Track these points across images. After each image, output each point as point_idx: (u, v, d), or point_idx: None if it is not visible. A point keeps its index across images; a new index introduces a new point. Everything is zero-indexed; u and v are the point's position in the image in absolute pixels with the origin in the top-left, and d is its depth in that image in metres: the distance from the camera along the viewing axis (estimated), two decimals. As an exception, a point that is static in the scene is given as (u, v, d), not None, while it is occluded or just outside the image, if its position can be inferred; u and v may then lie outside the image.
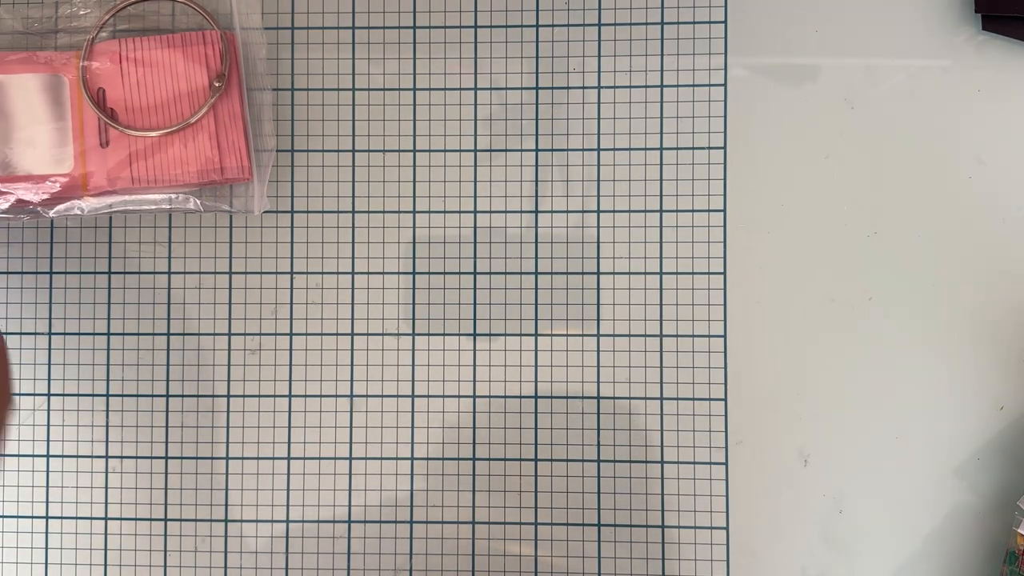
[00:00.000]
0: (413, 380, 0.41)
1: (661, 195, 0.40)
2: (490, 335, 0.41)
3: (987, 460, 0.39)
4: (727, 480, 0.40)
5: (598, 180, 0.41)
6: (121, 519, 0.41)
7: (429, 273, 0.41)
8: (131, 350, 0.41)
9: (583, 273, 0.40)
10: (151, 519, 0.41)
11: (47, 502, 0.41)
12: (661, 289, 0.40)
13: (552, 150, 0.41)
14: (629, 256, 0.40)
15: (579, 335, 0.40)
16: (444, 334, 0.41)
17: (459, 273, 0.41)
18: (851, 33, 0.40)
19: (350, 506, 0.41)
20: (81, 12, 0.40)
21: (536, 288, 0.41)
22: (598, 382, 0.40)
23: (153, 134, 0.39)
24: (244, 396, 0.41)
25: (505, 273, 0.41)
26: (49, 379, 0.41)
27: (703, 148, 0.40)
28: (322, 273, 0.41)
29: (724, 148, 0.40)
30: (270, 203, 0.41)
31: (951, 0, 0.40)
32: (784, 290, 0.40)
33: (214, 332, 0.41)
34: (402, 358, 0.41)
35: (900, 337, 0.40)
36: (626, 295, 0.40)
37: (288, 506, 0.41)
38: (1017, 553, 0.37)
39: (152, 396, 0.41)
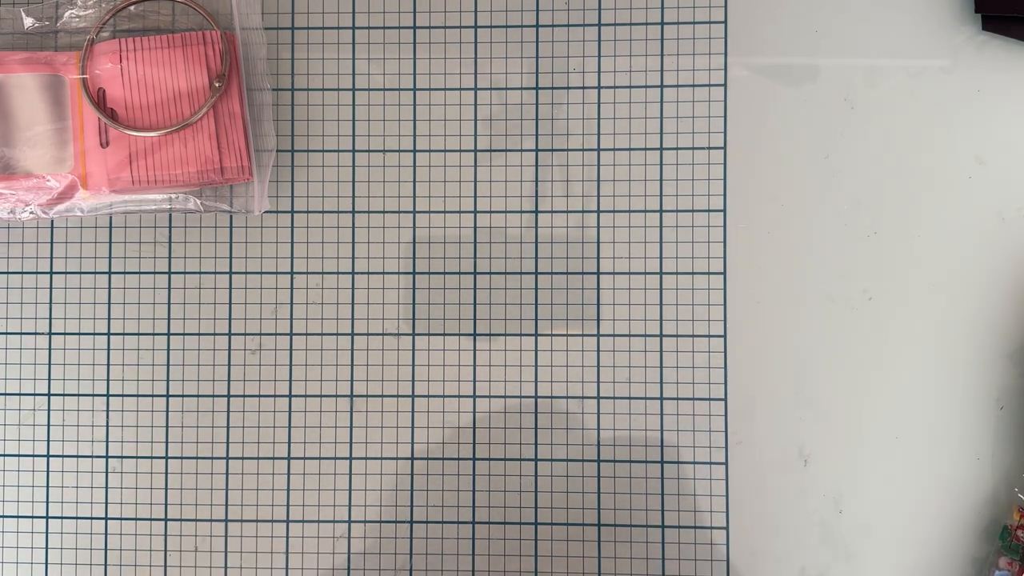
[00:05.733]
0: (413, 380, 0.41)
1: (661, 195, 0.40)
2: (490, 335, 0.41)
3: (987, 460, 0.39)
4: (727, 480, 0.40)
5: (598, 180, 0.41)
6: (121, 519, 0.41)
7: (429, 273, 0.41)
8: (131, 350, 0.41)
9: (583, 273, 0.40)
10: (151, 519, 0.41)
11: (47, 502, 0.41)
12: (661, 289, 0.40)
13: (552, 150, 0.41)
14: (629, 256, 0.40)
15: (579, 335, 0.40)
16: (444, 334, 0.41)
17: (459, 273, 0.41)
18: (851, 33, 0.40)
19: (350, 506, 0.41)
20: (81, 12, 0.40)
21: (536, 288, 0.41)
22: (598, 382, 0.40)
23: (153, 134, 0.39)
24: (244, 396, 0.41)
25: (505, 273, 0.41)
26: (49, 379, 0.41)
27: (703, 148, 0.40)
28: (322, 273, 0.41)
29: (724, 148, 0.40)
30: (270, 203, 0.41)
31: (951, 0, 0.40)
32: (784, 290, 0.40)
33: (214, 332, 0.41)
34: (402, 358, 0.41)
35: (900, 337, 0.40)
36: (626, 295, 0.40)
37: (288, 506, 0.41)
38: (1011, 528, 0.37)
39: (152, 396, 0.41)
